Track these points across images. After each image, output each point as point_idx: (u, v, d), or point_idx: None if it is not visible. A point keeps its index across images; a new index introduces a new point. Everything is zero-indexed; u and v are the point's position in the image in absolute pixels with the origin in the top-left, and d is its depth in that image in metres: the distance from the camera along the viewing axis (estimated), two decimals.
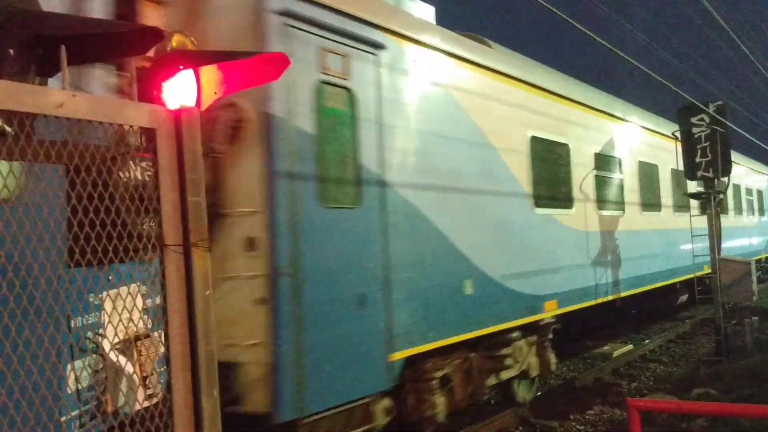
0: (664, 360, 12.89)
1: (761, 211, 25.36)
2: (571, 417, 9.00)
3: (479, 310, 7.49)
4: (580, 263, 10.12)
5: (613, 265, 11.26)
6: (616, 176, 11.92)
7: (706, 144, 12.46)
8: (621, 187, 12.07)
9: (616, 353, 12.89)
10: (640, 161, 13.08)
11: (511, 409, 9.09)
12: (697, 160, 12.56)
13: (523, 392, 9.22)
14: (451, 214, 7.19)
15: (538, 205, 9.04)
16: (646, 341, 14.69)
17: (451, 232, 7.13)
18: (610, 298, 10.97)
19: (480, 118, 7.86)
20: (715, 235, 12.54)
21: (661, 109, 16.19)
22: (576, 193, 10.19)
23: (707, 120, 12.50)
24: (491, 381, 8.12)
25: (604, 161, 11.38)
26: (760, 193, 25.33)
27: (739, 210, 20.70)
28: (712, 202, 12.56)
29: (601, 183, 11.16)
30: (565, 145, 10.04)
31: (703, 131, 12.52)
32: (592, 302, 10.35)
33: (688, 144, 12.71)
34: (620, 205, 11.92)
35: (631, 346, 13.70)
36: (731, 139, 13.46)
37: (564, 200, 9.92)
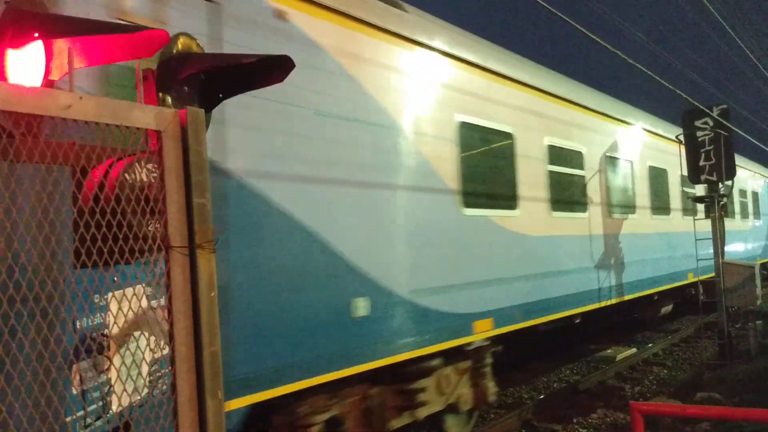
0: (668, 364, 12.87)
1: (756, 215, 23.36)
2: (574, 420, 9.00)
3: (378, 336, 6.02)
4: (526, 274, 8.63)
5: (570, 275, 9.82)
6: (576, 173, 10.40)
7: (710, 148, 12.47)
8: (583, 186, 10.56)
9: (619, 357, 12.88)
10: (608, 156, 11.62)
11: (515, 412, 9.09)
12: (701, 163, 12.56)
13: (455, 429, 7.80)
14: (336, 215, 5.69)
15: (468, 204, 7.54)
16: (650, 345, 14.66)
17: (335, 237, 5.61)
18: (564, 314, 9.54)
19: (383, 94, 6.38)
20: (718, 238, 12.53)
21: (665, 113, 16.15)
22: (522, 190, 8.67)
23: (711, 123, 12.51)
24: (403, 420, 6.71)
25: (560, 155, 9.87)
26: (755, 195, 23.47)
27: (731, 213, 18.94)
28: (716, 206, 12.55)
29: (556, 180, 9.64)
30: (508, 135, 8.52)
31: (706, 135, 12.53)
32: (541, 319, 8.87)
33: (692, 147, 12.71)
34: (582, 206, 10.47)
35: (634, 350, 13.68)
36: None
37: (505, 199, 8.42)
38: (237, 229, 4.78)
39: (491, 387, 8.03)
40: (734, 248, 18.74)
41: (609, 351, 13.38)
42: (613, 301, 11.18)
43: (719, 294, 12.36)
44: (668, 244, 13.85)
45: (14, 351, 1.99)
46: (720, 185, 12.61)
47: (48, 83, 2.36)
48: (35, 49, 2.34)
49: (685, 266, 14.36)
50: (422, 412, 6.84)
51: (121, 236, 2.29)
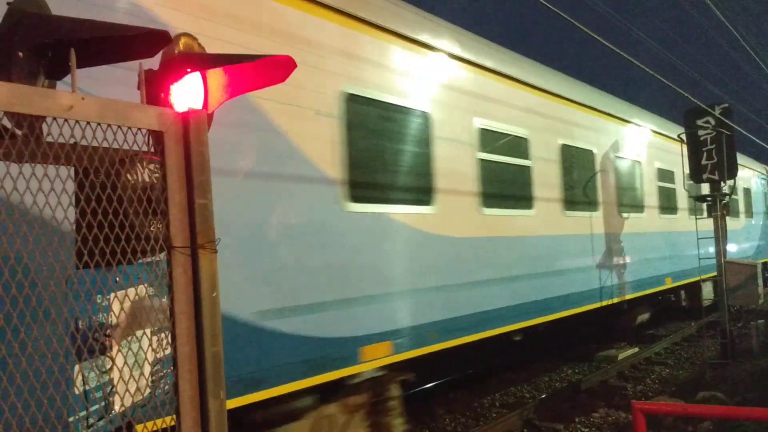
0: (670, 363, 12.87)
1: (748, 213, 21.36)
2: (576, 420, 9.00)
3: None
4: (444, 284, 7.16)
5: (509, 284, 8.33)
6: (519, 162, 8.84)
7: (712, 146, 12.48)
8: (528, 178, 9.01)
9: (621, 356, 12.87)
10: (564, 144, 10.05)
11: (517, 411, 9.09)
12: (703, 162, 12.57)
13: None
14: None
15: (356, 198, 6.08)
16: (652, 344, 14.66)
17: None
18: (499, 330, 8.03)
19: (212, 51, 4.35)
20: (721, 238, 12.53)
21: (668, 112, 16.10)
22: (441, 182, 7.22)
23: (713, 122, 12.52)
24: None
25: (497, 141, 8.38)
26: (747, 192, 21.45)
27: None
28: (718, 205, 12.56)
29: (490, 170, 8.12)
30: (421, 114, 7.06)
31: (708, 134, 12.54)
32: (466, 339, 7.39)
33: (694, 146, 12.72)
34: (526, 202, 8.93)
35: (636, 349, 13.68)
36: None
37: (416, 193, 6.96)
38: None
39: (398, 424, 6.57)
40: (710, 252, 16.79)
41: (611, 350, 13.38)
42: (565, 313, 9.61)
43: (721, 293, 12.37)
44: (642, 246, 12.55)
45: (17, 351, 1.99)
46: (722, 184, 12.62)
47: (50, 85, 2.37)
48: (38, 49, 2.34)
49: (662, 271, 13.39)
50: None
51: (123, 237, 2.30)
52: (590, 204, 10.86)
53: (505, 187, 8.57)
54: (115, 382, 2.36)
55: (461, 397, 10.24)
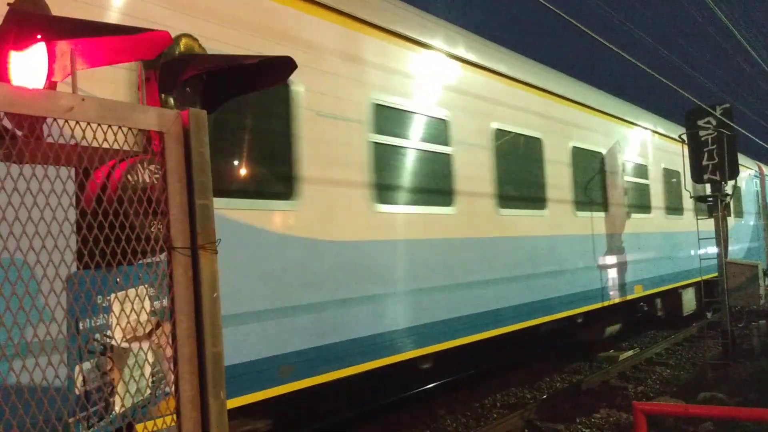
0: (671, 363, 12.86)
1: (738, 213, 20.07)
2: (577, 420, 8.99)
3: None
4: (314, 301, 5.72)
5: (412, 298, 6.82)
6: (434, 149, 7.40)
7: (713, 147, 12.49)
8: (447, 168, 7.53)
9: (622, 356, 12.87)
10: (498, 129, 8.51)
11: (518, 412, 9.08)
12: (704, 163, 12.58)
13: None
14: None
15: None
16: (653, 344, 14.65)
17: None
18: (396, 358, 6.60)
19: None
20: (721, 238, 12.54)
21: (670, 113, 16.06)
22: (310, 170, 5.82)
23: (714, 123, 12.53)
24: None
25: (402, 121, 7.01)
26: (738, 190, 19.43)
27: (702, 212, 14.01)
28: (719, 205, 12.57)
29: (390, 157, 6.80)
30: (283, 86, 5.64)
31: (710, 134, 12.54)
32: (348, 371, 6.02)
33: (695, 147, 12.73)
34: (443, 197, 7.47)
35: (637, 350, 13.66)
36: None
37: (267, 183, 5.72)
38: None
39: None
40: (691, 254, 14.89)
41: (612, 351, 13.36)
42: (496, 332, 8.12)
43: (722, 293, 12.36)
44: (603, 250, 11.24)
45: (18, 352, 1.99)
46: (723, 184, 12.63)
47: (51, 85, 2.37)
48: (38, 50, 2.35)
49: (630, 278, 12.38)
50: None
51: (123, 237, 2.30)
52: (535, 201, 9.34)
53: (413, 178, 7.10)
54: (115, 382, 2.37)
55: (462, 398, 10.24)
